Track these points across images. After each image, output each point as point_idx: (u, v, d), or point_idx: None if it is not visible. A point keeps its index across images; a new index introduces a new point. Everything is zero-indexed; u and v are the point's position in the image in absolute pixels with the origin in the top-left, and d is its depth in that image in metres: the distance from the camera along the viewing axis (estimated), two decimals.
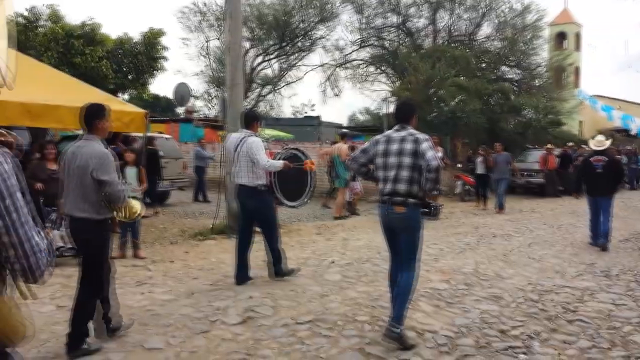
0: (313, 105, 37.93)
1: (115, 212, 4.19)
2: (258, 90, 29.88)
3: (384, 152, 4.43)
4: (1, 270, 1.53)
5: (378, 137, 4.61)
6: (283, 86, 30.78)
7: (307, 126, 29.14)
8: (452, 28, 25.20)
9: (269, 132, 21.31)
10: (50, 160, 7.38)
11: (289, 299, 5.59)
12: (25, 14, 15.95)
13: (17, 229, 1.49)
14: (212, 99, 28.33)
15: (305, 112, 36.10)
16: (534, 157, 19.16)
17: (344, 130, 24.40)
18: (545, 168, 18.17)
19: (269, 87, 30.24)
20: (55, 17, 16.07)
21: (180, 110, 24.25)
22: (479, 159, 14.61)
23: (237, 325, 4.76)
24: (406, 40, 26.00)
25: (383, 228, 4.54)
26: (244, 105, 13.01)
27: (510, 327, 4.79)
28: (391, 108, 23.52)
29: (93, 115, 4.09)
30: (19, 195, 1.52)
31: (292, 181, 6.35)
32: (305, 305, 5.39)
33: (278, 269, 6.28)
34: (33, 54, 13.44)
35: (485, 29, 24.78)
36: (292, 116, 32.97)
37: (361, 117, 38.02)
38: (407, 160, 4.27)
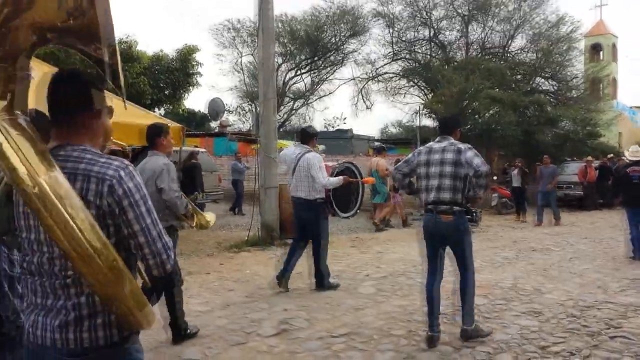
0: (345, 118, 38.08)
1: (189, 222, 4.53)
2: (290, 104, 30.17)
3: (426, 162, 4.57)
4: (138, 264, 1.79)
5: (420, 147, 4.80)
6: (315, 100, 31.00)
7: (339, 139, 29.18)
8: (485, 40, 25.00)
9: None
10: None
11: (324, 311, 5.56)
12: None
13: (151, 230, 1.73)
14: (246, 113, 28.70)
15: (337, 125, 36.17)
16: (572, 170, 18.76)
17: (377, 143, 24.36)
18: (585, 181, 17.76)
19: (301, 100, 30.49)
20: None
21: (214, 124, 24.56)
22: (515, 172, 14.37)
23: (272, 337, 4.76)
24: (438, 53, 25.90)
25: (428, 236, 4.65)
26: (276, 119, 13.13)
27: (551, 344, 4.66)
28: (424, 121, 23.43)
29: (154, 134, 4.57)
30: (150, 201, 1.76)
31: (344, 193, 6.63)
32: (340, 318, 5.36)
33: (321, 279, 6.39)
34: None
35: (519, 41, 24.54)
36: (324, 129, 33.04)
37: (393, 130, 37.87)
38: (448, 169, 4.42)
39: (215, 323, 5.11)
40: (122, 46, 16.58)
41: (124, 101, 1.81)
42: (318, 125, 35.82)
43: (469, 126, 19.95)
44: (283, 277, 6.36)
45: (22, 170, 1.56)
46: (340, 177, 6.34)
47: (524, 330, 5.00)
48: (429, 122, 24.38)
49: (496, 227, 13.14)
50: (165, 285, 4.24)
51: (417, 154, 4.72)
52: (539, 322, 5.26)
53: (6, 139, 1.59)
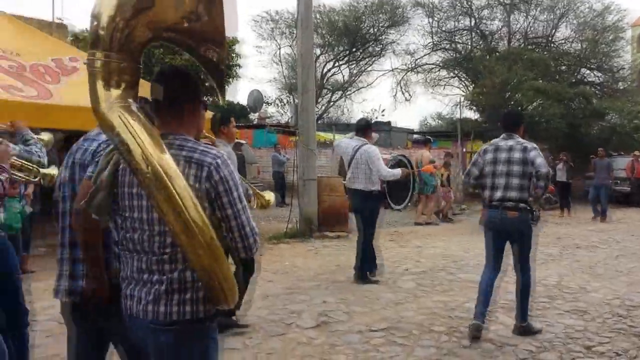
0: (383, 110, 37.72)
1: (249, 204, 4.62)
2: (328, 95, 30.13)
3: (493, 160, 4.62)
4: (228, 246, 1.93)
5: (485, 146, 4.86)
6: (353, 92, 30.89)
7: (377, 131, 28.95)
8: (528, 30, 24.42)
9: (340, 137, 21.35)
10: None
11: (363, 305, 5.56)
12: None
13: (242, 215, 1.89)
14: (285, 105, 28.80)
15: (376, 118, 35.94)
16: (619, 165, 18.14)
17: (416, 136, 24.13)
18: (632, 176, 17.18)
19: (339, 92, 30.41)
20: None
21: (253, 116, 24.74)
22: (560, 165, 14.02)
23: (311, 329, 4.78)
24: (480, 43, 25.44)
25: (493, 231, 4.70)
26: (316, 110, 13.13)
27: (597, 343, 4.55)
28: (464, 113, 23.07)
29: (220, 123, 4.60)
30: (241, 189, 1.93)
31: (398, 185, 6.61)
32: (379, 312, 5.34)
33: (363, 271, 6.43)
34: None
35: (564, 31, 23.90)
36: None
37: (433, 122, 37.41)
38: (516, 168, 4.49)
39: (255, 313, 5.16)
40: None
41: (223, 99, 2.00)
42: (356, 117, 35.68)
43: None
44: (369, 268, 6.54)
45: (137, 152, 1.74)
46: (399, 169, 6.49)
47: (568, 329, 4.89)
48: (470, 114, 24.03)
49: (539, 223, 12.84)
50: (249, 269, 4.41)
51: (482, 152, 4.77)
52: (584, 321, 5.14)
53: (123, 123, 1.76)
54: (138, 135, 1.75)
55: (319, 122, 25.83)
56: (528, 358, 4.21)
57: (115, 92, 1.80)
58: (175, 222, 1.75)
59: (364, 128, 6.58)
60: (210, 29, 1.84)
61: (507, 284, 6.39)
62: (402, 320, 5.07)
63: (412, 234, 10.68)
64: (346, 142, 6.78)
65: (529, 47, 23.79)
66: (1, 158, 2.84)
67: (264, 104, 23.10)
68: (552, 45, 24.29)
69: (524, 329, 4.67)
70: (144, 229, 1.89)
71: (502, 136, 4.70)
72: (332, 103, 30.90)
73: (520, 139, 4.62)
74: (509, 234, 4.66)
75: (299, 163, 10.14)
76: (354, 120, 33.24)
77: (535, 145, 4.56)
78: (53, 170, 3.73)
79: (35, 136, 3.82)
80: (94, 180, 2.00)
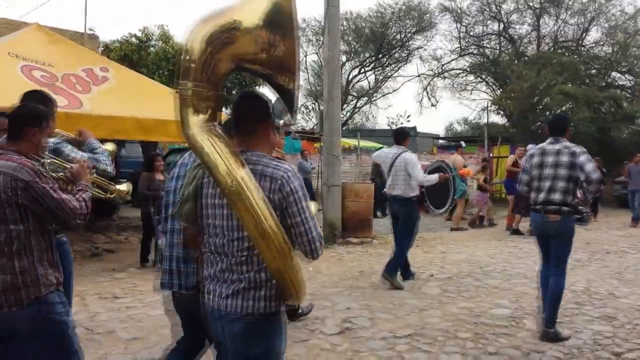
0: (409, 116, 37.60)
1: None
2: (353, 102, 30.15)
3: (539, 164, 4.73)
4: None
5: (532, 150, 4.98)
6: (379, 97, 30.84)
7: None
8: (557, 33, 24.07)
9: (364, 143, 21.33)
10: (157, 172, 7.82)
11: (387, 311, 5.54)
12: (139, 34, 17.09)
13: (309, 222, 2.16)
14: (310, 111, 28.90)
15: (401, 123, 35.79)
16: None
17: (441, 141, 23.97)
18: None
19: (365, 98, 30.38)
20: (165, 37, 17.04)
21: (278, 123, 24.88)
22: None
23: (335, 336, 4.79)
24: (508, 47, 25.17)
25: (537, 233, 4.90)
26: (340, 117, 13.15)
27: (626, 350, 4.46)
28: (492, 117, 22.81)
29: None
30: (308, 198, 2.20)
31: (437, 190, 6.96)
32: (403, 318, 5.32)
33: (392, 273, 6.50)
34: (145, 72, 14.33)
35: (594, 34, 23.55)
36: (388, 127, 32.79)
37: (459, 128, 37.10)
38: (563, 172, 4.57)
39: None
40: None
41: (294, 120, 2.24)
42: (382, 123, 35.58)
43: (539, 123, 19.27)
44: (406, 274, 6.80)
45: (222, 168, 2.04)
46: (436, 175, 6.68)
47: (596, 336, 4.80)
48: (497, 118, 23.74)
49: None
50: None
51: (529, 157, 4.90)
52: (612, 328, 5.04)
53: (210, 143, 2.07)
54: (223, 153, 2.05)
55: (344, 128, 25.85)
56: None
57: (203, 117, 2.11)
58: (254, 228, 2.02)
59: (402, 136, 6.86)
60: (284, 59, 2.10)
61: (534, 290, 6.33)
62: (427, 327, 5.04)
63: (437, 239, 10.60)
64: (385, 151, 7.16)
65: (559, 51, 23.45)
66: (79, 176, 2.84)
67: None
68: (582, 49, 23.90)
69: (551, 335, 4.62)
70: (224, 234, 2.17)
71: (548, 140, 4.78)
72: (357, 109, 30.90)
73: (568, 143, 4.69)
74: (549, 238, 4.74)
75: (324, 169, 10.16)
76: (378, 127, 33.27)
77: (584, 150, 4.59)
78: (126, 187, 3.80)
79: (102, 145, 3.89)
80: (182, 193, 2.37)
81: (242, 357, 2.24)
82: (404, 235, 6.61)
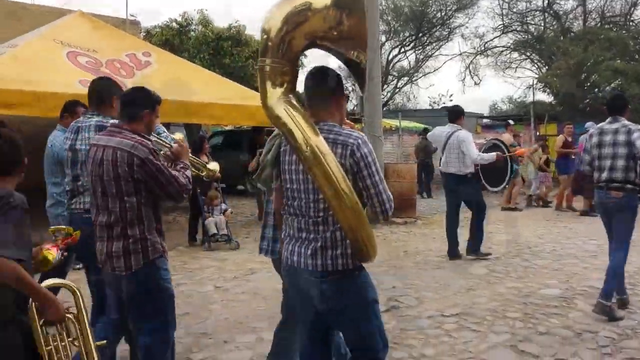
0: (451, 95, 36.92)
1: None
2: (394, 82, 29.78)
3: (598, 143, 4.78)
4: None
5: (591, 130, 5.04)
6: (420, 77, 30.36)
7: (445, 117, 28.36)
8: (604, 8, 23.11)
9: (406, 124, 21.05)
10: (202, 154, 7.92)
11: (433, 291, 5.50)
12: (179, 19, 17.24)
13: (379, 185, 2.30)
14: (350, 93, 28.69)
15: (443, 103, 35.18)
16: None
17: (485, 120, 23.45)
18: None
19: (405, 78, 29.96)
20: (205, 21, 17.14)
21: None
22: None
23: (382, 314, 4.75)
24: (553, 23, 24.32)
25: (601, 211, 4.90)
26: (381, 97, 13.02)
27: None
28: (537, 95, 22.19)
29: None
30: (378, 164, 2.33)
31: (493, 168, 7.01)
32: (450, 298, 5.27)
33: (476, 247, 6.79)
34: (186, 56, 14.45)
35: None
36: (429, 107, 32.29)
37: (503, 107, 36.25)
38: (621, 150, 4.62)
39: None
40: (231, 31, 17.15)
41: (364, 93, 2.41)
42: (423, 103, 35.07)
43: (587, 100, 18.65)
44: (453, 253, 6.91)
45: (299, 136, 2.22)
46: (493, 154, 6.76)
47: None
48: (543, 96, 23.07)
49: None
50: None
51: (588, 137, 4.97)
52: None
53: (287, 114, 2.27)
54: (299, 123, 2.24)
55: (385, 109, 25.57)
56: (609, 345, 4.04)
57: (280, 90, 2.31)
58: (329, 190, 2.19)
59: (456, 115, 6.97)
60: (354, 35, 2.33)
61: (585, 270, 6.17)
62: (474, 306, 4.98)
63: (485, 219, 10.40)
64: (439, 129, 7.24)
65: (606, 26, 22.52)
66: (180, 155, 3.07)
67: None
68: (630, 23, 22.89)
69: (605, 308, 4.57)
70: (302, 197, 2.35)
71: (607, 120, 4.80)
72: (397, 89, 30.51)
73: (626, 122, 4.70)
74: (612, 214, 4.75)
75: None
76: (420, 106, 32.80)
77: (639, 127, 4.60)
78: (215, 166, 4.06)
79: (166, 131, 4.01)
80: (262, 160, 2.64)
81: (335, 312, 2.40)
82: (475, 209, 6.85)
